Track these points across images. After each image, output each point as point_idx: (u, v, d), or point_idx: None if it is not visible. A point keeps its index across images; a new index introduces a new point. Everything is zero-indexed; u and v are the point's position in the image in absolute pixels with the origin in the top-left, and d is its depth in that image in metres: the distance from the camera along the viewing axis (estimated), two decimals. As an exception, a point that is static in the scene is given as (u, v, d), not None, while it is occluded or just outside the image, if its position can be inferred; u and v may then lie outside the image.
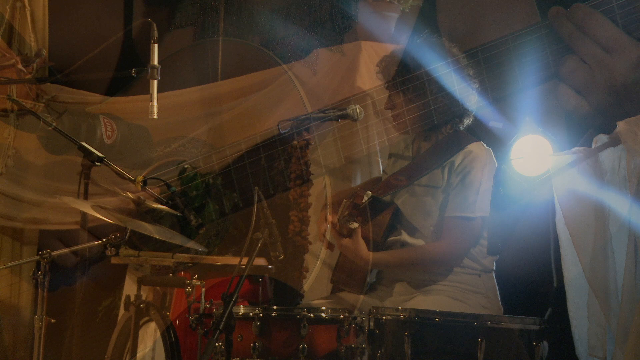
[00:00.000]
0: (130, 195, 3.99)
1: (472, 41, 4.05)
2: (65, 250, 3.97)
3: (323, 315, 3.47)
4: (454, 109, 3.90)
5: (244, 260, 3.34)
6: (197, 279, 3.79)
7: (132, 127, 4.86)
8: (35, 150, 4.95)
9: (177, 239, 3.86)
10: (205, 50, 4.92)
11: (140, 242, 4.48)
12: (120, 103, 4.94)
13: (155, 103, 4.08)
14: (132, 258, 4.44)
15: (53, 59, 4.63)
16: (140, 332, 3.90)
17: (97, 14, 5.30)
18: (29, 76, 4.81)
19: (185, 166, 4.75)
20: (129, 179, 4.06)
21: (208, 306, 3.74)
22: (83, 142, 4.27)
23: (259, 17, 4.82)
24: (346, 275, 3.97)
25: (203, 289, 3.76)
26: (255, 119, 4.92)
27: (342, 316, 3.47)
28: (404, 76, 3.91)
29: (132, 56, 5.30)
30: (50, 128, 4.21)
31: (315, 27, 4.71)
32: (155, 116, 4.15)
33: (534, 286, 4.45)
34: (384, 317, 3.42)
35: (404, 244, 3.90)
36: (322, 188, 4.24)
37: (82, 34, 5.04)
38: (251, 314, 3.45)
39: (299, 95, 4.63)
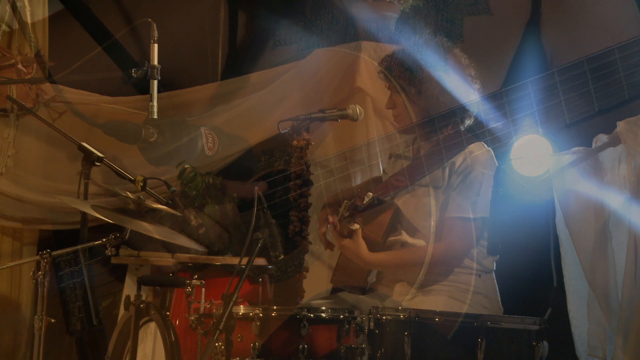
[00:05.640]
0: (130, 195, 3.99)
1: (575, 55, 4.08)
2: (65, 250, 3.97)
3: (323, 315, 3.47)
4: (455, 110, 3.90)
5: (244, 260, 3.34)
6: (197, 278, 3.79)
7: (233, 139, 4.87)
8: (35, 150, 4.95)
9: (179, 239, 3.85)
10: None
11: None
12: None
13: (155, 103, 4.08)
14: (132, 258, 4.44)
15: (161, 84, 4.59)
16: (140, 332, 3.89)
17: (201, 30, 5.35)
18: (29, 76, 4.81)
19: (185, 166, 4.75)
20: (129, 179, 4.06)
21: (208, 306, 3.73)
22: (185, 153, 4.28)
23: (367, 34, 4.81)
24: (346, 275, 3.97)
25: (203, 289, 3.76)
26: (255, 119, 4.92)
27: (342, 316, 3.47)
28: (405, 76, 3.90)
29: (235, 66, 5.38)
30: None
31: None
32: (155, 116, 4.15)
33: (534, 286, 4.45)
34: (384, 317, 3.42)
35: (404, 245, 3.90)
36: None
37: (188, 51, 5.10)
38: (251, 314, 3.44)
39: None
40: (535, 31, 4.79)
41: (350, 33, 5.04)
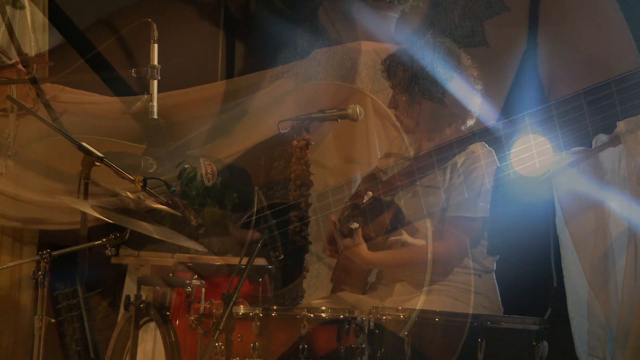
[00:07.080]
0: (130, 195, 3.99)
1: (572, 87, 4.11)
2: (66, 250, 3.96)
3: (323, 315, 3.47)
4: (457, 110, 3.90)
5: (244, 260, 3.34)
6: (197, 278, 3.79)
7: (232, 169, 4.87)
8: (35, 150, 4.95)
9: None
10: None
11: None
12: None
13: (155, 103, 4.08)
14: (132, 258, 4.45)
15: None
16: (140, 332, 3.90)
17: (202, 57, 5.36)
18: (29, 76, 4.81)
19: (185, 166, 4.75)
20: (129, 179, 4.06)
21: (208, 306, 3.74)
22: (183, 183, 4.31)
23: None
24: (346, 275, 3.97)
25: (203, 289, 3.76)
26: (255, 119, 4.92)
27: (342, 316, 3.47)
28: (408, 76, 3.90)
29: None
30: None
31: None
32: (155, 116, 4.15)
33: (534, 286, 4.46)
34: (384, 317, 3.42)
35: (404, 244, 3.90)
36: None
37: (186, 78, 5.11)
38: (251, 314, 3.44)
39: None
40: (532, 63, 4.80)
41: (350, 33, 5.03)
